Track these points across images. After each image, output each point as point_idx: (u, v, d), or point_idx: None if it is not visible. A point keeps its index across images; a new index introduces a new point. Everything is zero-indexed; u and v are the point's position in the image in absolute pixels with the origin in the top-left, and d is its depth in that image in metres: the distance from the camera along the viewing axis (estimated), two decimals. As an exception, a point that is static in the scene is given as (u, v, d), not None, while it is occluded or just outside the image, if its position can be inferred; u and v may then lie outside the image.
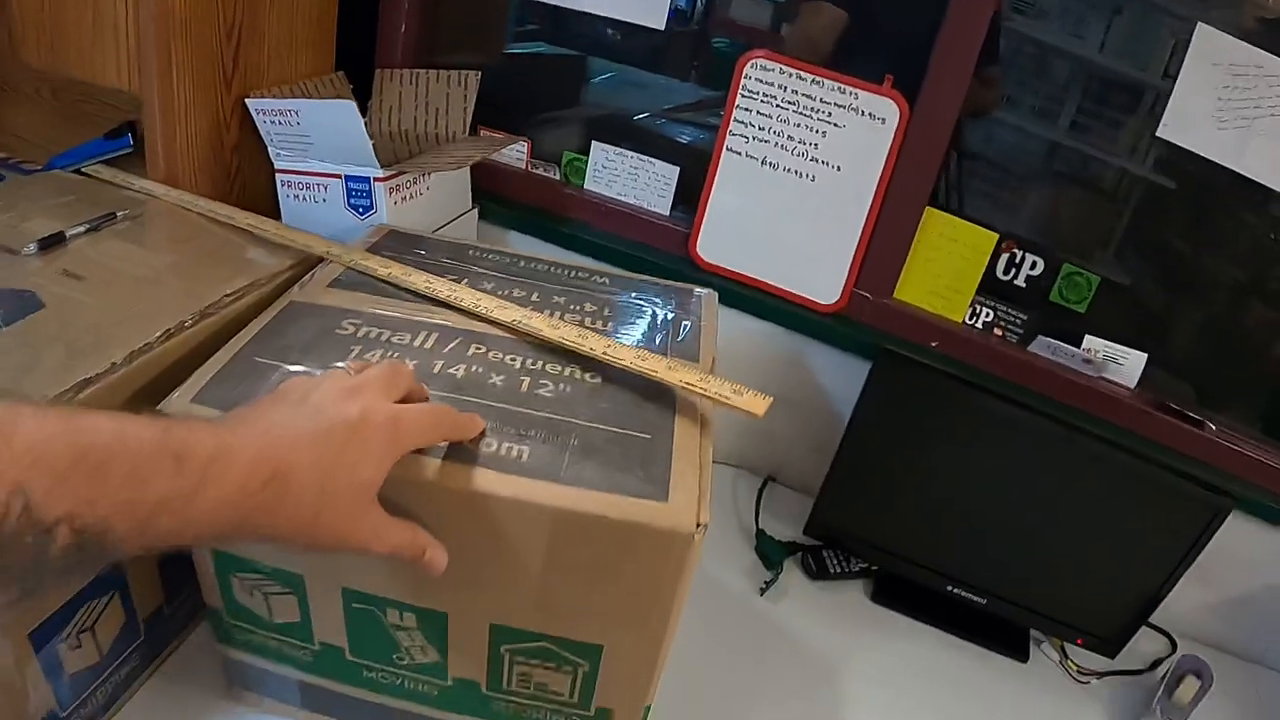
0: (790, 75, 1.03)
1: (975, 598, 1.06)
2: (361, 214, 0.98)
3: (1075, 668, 1.06)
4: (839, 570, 1.09)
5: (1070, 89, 1.07)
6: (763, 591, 1.04)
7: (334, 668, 0.73)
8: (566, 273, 0.87)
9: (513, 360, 0.71)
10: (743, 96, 1.04)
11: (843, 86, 1.01)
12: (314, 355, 0.68)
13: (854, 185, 1.04)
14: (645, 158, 1.12)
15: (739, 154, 1.06)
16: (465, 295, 0.77)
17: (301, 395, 0.56)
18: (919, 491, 1.04)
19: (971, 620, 1.07)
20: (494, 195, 1.11)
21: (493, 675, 0.70)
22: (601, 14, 1.08)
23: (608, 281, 0.86)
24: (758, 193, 1.06)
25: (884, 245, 1.06)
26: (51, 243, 0.82)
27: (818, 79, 1.02)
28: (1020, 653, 1.06)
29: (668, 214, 1.13)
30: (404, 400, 0.59)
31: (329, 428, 0.53)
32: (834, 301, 1.10)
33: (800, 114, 1.03)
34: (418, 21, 1.16)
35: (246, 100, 0.99)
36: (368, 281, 0.80)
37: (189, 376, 0.66)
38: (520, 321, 0.74)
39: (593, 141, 1.13)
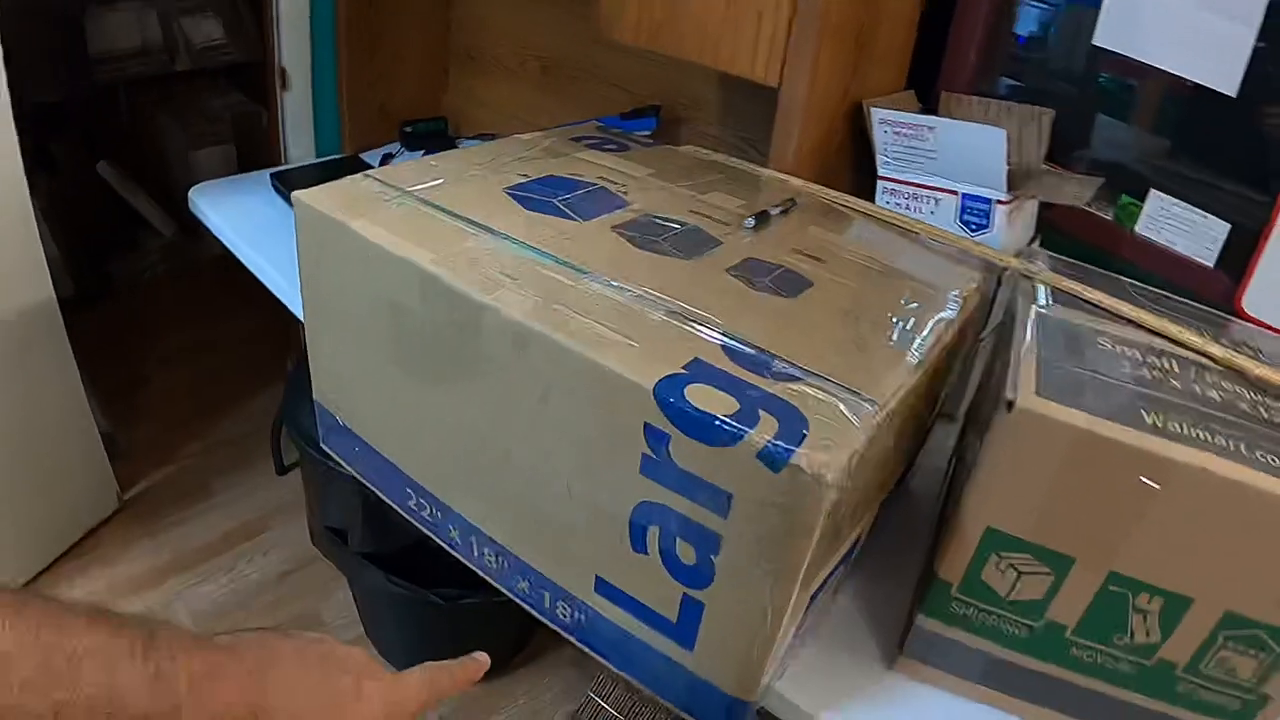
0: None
1: None
2: (973, 230, 1.04)
3: None
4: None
5: None
6: None
7: (1044, 645, 0.79)
8: (1214, 318, 0.95)
9: (1237, 388, 0.78)
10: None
11: None
12: (1106, 369, 0.76)
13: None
14: (1200, 211, 1.17)
15: (1296, 222, 1.10)
16: (1169, 327, 0.86)
17: (317, 646, 0.55)
18: None
19: None
20: (1053, 227, 1.18)
21: (1196, 658, 0.76)
22: (1170, 70, 1.14)
23: (1238, 327, 0.96)
24: (1306, 260, 1.11)
25: None
26: (760, 221, 0.88)
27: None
28: None
29: (1211, 266, 1.18)
30: None
31: (331, 684, 0.53)
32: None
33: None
34: (983, 51, 1.21)
35: (875, 110, 1.06)
36: (1077, 303, 0.88)
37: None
38: (1229, 357, 0.82)
39: (1151, 190, 1.19)
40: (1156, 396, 0.74)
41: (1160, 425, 0.70)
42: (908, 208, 1.12)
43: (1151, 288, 0.98)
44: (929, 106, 1.27)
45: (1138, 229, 1.23)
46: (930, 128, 1.06)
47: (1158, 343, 0.83)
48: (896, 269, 0.90)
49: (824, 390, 0.67)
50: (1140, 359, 0.80)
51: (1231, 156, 1.18)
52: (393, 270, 0.82)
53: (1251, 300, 1.16)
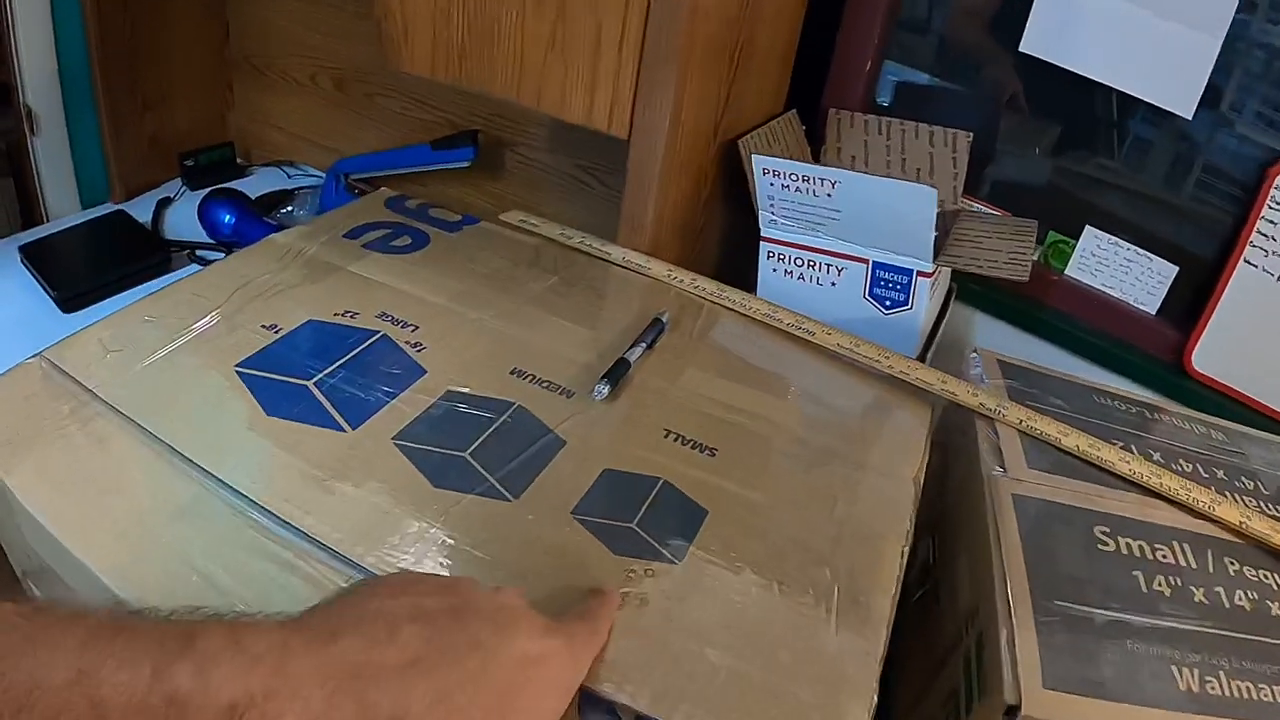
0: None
1: None
2: (887, 308, 0.84)
3: None
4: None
5: None
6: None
7: None
8: (1195, 428, 0.77)
9: (1262, 574, 0.61)
10: (1269, 209, 0.92)
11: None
12: (1116, 593, 0.56)
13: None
14: (1143, 251, 0.99)
15: (1256, 267, 0.94)
16: (1170, 481, 0.66)
17: (444, 596, 0.40)
18: None
19: None
20: (969, 273, 0.94)
21: None
22: (1113, 86, 0.94)
23: (1241, 446, 0.77)
24: (1268, 309, 0.95)
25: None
26: (616, 381, 0.64)
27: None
28: None
29: (1153, 314, 1.01)
30: None
31: (482, 656, 0.37)
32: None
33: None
34: (881, 61, 0.97)
35: (757, 158, 0.80)
36: (1051, 453, 0.68)
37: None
38: (1245, 523, 0.64)
39: (1087, 226, 1.00)
40: (1182, 631, 0.56)
41: (1195, 689, 0.52)
42: (801, 277, 0.89)
43: (1117, 389, 0.79)
44: (812, 129, 1.02)
45: (1069, 271, 1.03)
46: (833, 182, 0.81)
47: (1160, 515, 0.64)
48: (816, 444, 0.65)
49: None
50: (1149, 555, 0.61)
51: (1182, 186, 0.98)
52: (73, 564, 0.51)
53: (1203, 356, 0.99)
